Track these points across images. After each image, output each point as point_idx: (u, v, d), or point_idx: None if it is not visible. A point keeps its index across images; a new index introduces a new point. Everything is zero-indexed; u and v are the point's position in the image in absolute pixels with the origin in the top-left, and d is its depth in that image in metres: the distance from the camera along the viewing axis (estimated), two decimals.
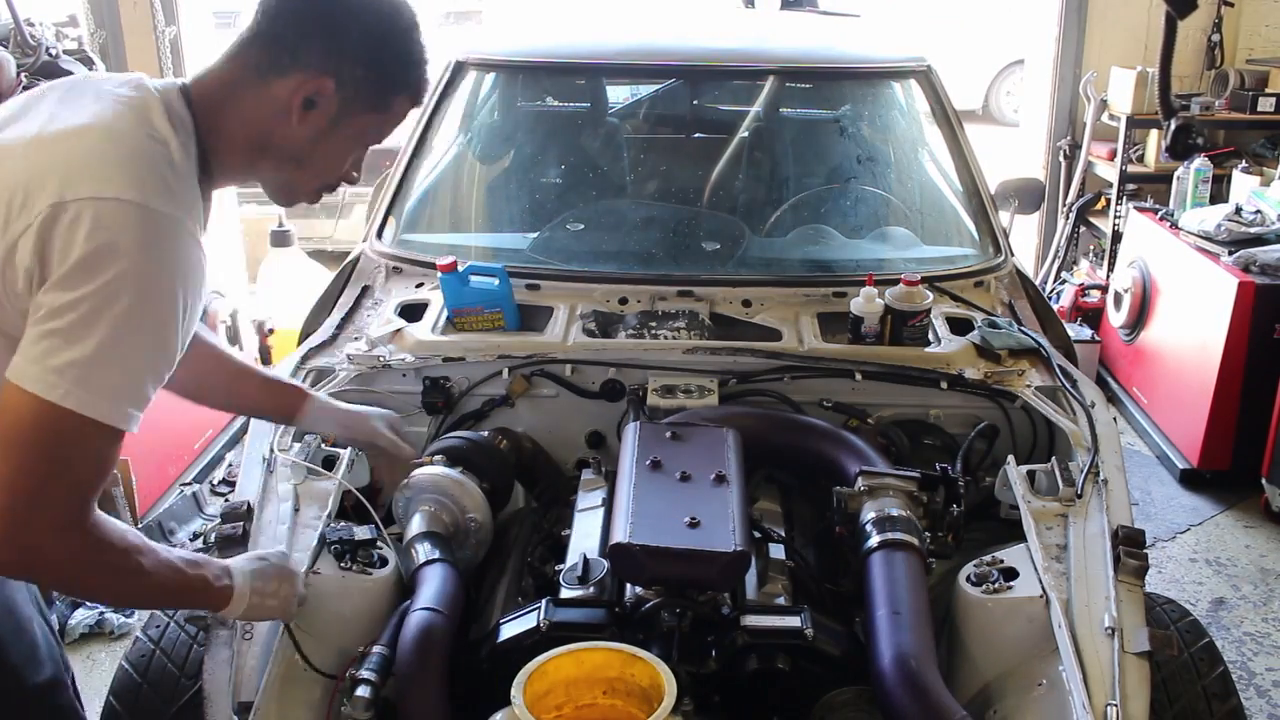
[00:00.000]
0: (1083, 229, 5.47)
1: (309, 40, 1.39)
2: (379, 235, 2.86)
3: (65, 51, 4.21)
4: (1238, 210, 4.12)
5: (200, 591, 1.47)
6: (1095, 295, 5.00)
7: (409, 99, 1.50)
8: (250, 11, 1.43)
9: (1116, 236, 5.02)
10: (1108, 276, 5.00)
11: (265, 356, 4.60)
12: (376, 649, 1.63)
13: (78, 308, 1.22)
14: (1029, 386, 2.26)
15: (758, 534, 1.89)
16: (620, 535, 1.65)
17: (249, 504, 1.87)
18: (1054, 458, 2.03)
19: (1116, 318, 4.63)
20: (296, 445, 2.02)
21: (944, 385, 2.29)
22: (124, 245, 1.23)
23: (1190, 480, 4.04)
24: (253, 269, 5.46)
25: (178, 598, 1.51)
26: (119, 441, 1.29)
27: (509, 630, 1.69)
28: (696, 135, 3.25)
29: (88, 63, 4.20)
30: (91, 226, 1.22)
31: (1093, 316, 4.93)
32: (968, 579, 1.78)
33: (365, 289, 2.68)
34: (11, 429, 1.23)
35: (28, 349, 1.23)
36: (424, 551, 1.83)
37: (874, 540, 1.77)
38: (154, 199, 1.26)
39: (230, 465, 4.10)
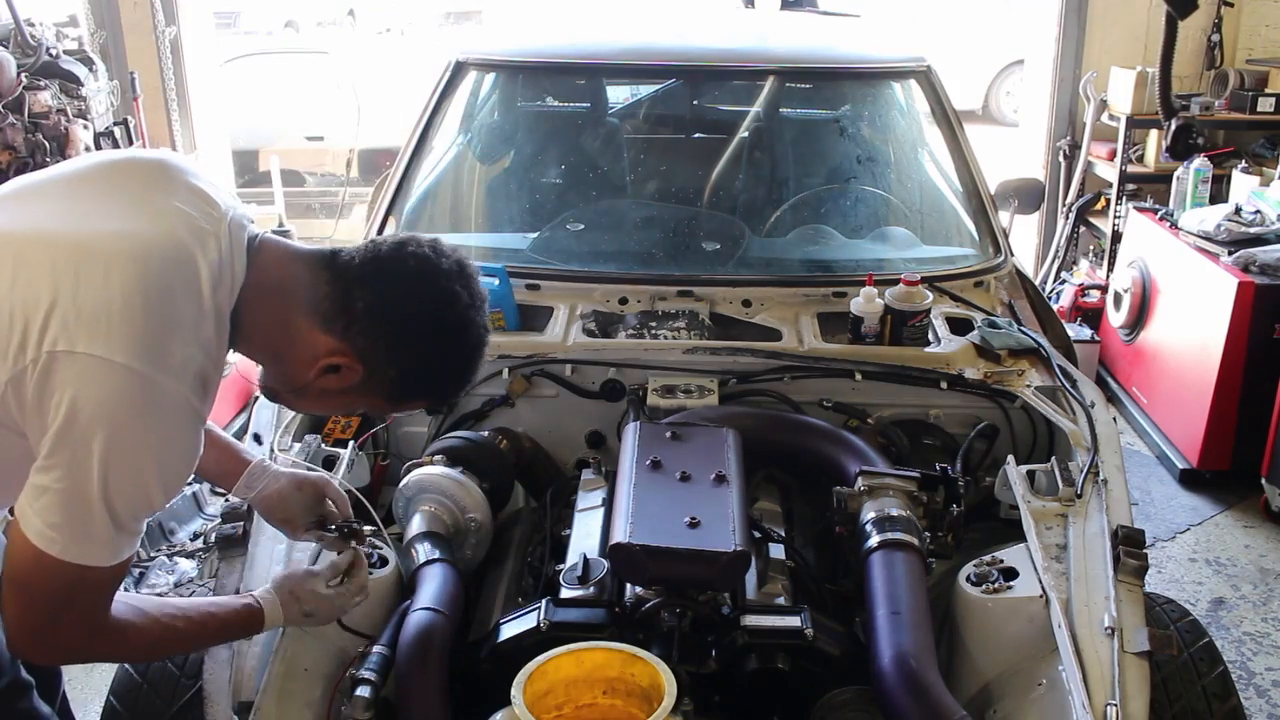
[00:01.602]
0: (1083, 229, 5.46)
1: (371, 331, 1.37)
2: (379, 234, 2.85)
3: (65, 51, 4.21)
4: (1237, 210, 4.11)
5: (229, 624, 1.50)
6: (1095, 295, 4.99)
7: (424, 405, 1.52)
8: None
9: (1116, 236, 5.02)
10: (1107, 276, 4.99)
11: None
12: (376, 649, 1.63)
13: (69, 468, 1.22)
14: (1029, 386, 2.26)
15: (758, 534, 1.89)
16: (620, 535, 1.65)
17: (249, 504, 1.86)
18: (1054, 458, 2.03)
19: (1116, 318, 4.62)
20: (296, 445, 2.02)
21: (944, 385, 2.29)
22: (113, 411, 1.21)
23: (1190, 480, 4.03)
24: None
25: (215, 636, 1.53)
26: (121, 567, 1.31)
27: (509, 630, 1.69)
28: (696, 135, 3.24)
29: (88, 63, 4.20)
30: (82, 388, 1.20)
31: (1093, 316, 4.93)
32: (968, 579, 1.78)
33: None
34: (20, 570, 1.27)
35: (30, 499, 1.25)
36: (424, 551, 1.83)
37: (874, 540, 1.77)
38: (155, 367, 1.23)
39: None
